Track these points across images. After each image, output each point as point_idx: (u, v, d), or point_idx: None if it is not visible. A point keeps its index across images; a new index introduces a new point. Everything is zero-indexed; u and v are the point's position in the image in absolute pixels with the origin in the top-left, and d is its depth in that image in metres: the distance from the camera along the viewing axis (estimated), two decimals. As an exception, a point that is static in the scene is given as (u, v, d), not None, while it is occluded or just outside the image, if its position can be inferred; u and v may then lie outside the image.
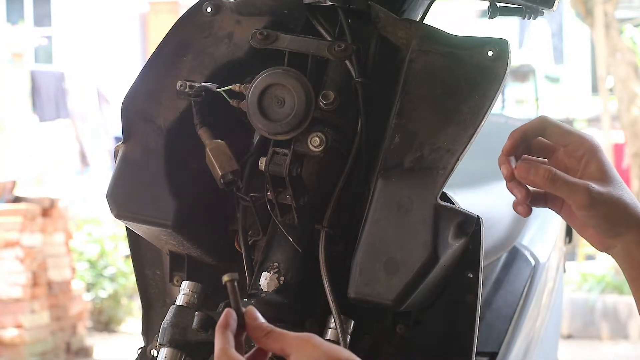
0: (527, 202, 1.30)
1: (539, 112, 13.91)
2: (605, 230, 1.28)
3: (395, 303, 1.34)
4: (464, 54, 1.39)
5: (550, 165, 1.30)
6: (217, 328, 1.13)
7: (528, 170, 1.27)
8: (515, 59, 13.85)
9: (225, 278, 1.13)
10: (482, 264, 1.40)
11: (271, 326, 1.14)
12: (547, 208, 1.37)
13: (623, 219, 1.27)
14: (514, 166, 1.30)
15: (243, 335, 1.14)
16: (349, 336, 1.36)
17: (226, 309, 1.15)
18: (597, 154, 1.30)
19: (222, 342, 1.12)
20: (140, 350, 1.56)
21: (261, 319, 1.14)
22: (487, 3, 1.47)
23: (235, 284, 1.14)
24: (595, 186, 1.26)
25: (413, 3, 1.49)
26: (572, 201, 1.26)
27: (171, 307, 1.40)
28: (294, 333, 1.14)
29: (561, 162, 1.31)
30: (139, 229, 1.46)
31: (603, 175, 1.28)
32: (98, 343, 7.49)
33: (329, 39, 1.41)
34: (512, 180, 1.29)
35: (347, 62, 1.39)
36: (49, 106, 10.07)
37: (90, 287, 8.01)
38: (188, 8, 1.48)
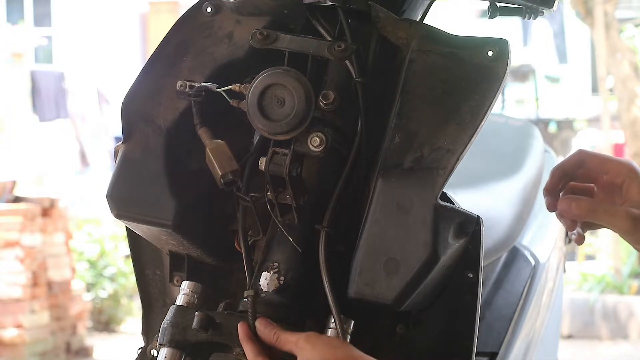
0: (579, 231, 1.39)
1: (539, 112, 13.91)
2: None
3: (395, 303, 1.34)
4: (464, 54, 1.39)
5: (596, 192, 1.38)
6: (241, 339, 1.29)
7: (569, 205, 1.37)
8: (519, 58, 13.85)
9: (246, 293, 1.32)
10: (482, 264, 1.40)
11: (278, 329, 1.22)
12: (547, 208, 1.43)
13: None
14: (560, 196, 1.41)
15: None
16: (349, 336, 1.36)
17: (239, 323, 1.30)
18: (635, 178, 1.37)
19: (253, 348, 1.27)
20: (140, 350, 1.56)
21: (271, 325, 1.29)
22: (487, 3, 1.47)
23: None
24: (635, 210, 1.33)
25: (413, 3, 1.49)
26: (615, 228, 1.34)
27: (171, 307, 1.40)
28: (297, 333, 1.21)
29: (605, 189, 1.38)
30: (139, 229, 1.46)
31: None
32: (98, 343, 7.48)
33: (329, 39, 1.41)
34: (556, 211, 1.39)
35: (347, 62, 1.39)
36: (49, 106, 10.07)
37: (90, 287, 8.00)
38: (188, 8, 1.48)
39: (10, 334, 6.54)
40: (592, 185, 1.41)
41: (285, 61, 1.39)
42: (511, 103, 14.78)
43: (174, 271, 1.51)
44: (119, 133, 1.46)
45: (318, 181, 1.40)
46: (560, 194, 1.43)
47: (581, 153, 1.42)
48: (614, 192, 1.38)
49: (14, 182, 7.20)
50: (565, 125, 13.52)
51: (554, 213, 1.44)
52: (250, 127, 1.38)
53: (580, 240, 1.42)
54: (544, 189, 1.43)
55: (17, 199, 7.00)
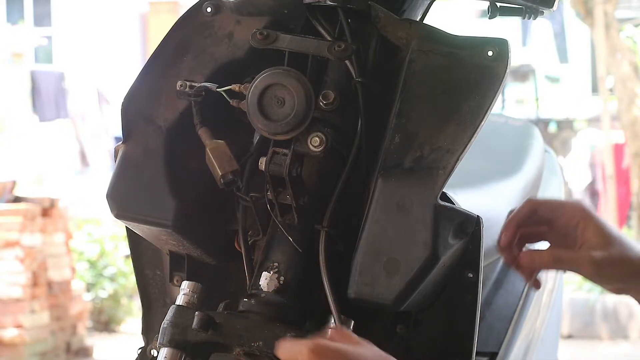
0: (536, 278, 1.37)
1: (539, 112, 13.90)
2: (618, 287, 1.34)
3: (395, 303, 1.34)
4: (464, 54, 1.39)
5: (551, 236, 1.34)
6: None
7: (532, 258, 1.34)
8: (518, 58, 13.84)
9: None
10: (482, 264, 1.40)
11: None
12: (505, 265, 1.42)
13: (630, 273, 1.31)
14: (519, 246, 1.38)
15: None
16: (349, 336, 1.36)
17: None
18: (590, 218, 1.34)
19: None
20: (140, 350, 1.56)
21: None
22: (487, 3, 1.47)
23: None
24: (597, 254, 1.31)
25: (413, 3, 1.49)
26: (580, 274, 1.32)
27: (171, 307, 1.39)
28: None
29: (559, 232, 1.35)
30: (139, 229, 1.46)
31: (602, 238, 1.32)
32: (98, 343, 7.48)
33: (329, 39, 1.41)
34: (515, 265, 1.35)
35: (347, 62, 1.39)
36: (49, 106, 10.06)
37: (90, 287, 8.00)
38: (188, 8, 1.48)
39: (10, 334, 6.54)
40: (544, 227, 1.38)
41: (285, 61, 1.39)
42: (511, 103, 14.78)
43: (174, 271, 1.51)
44: (119, 133, 1.46)
45: (318, 181, 1.40)
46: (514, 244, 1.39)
47: (531, 202, 1.39)
48: (569, 235, 1.35)
49: (14, 182, 7.20)
50: (565, 125, 13.52)
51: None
52: (250, 127, 1.38)
53: (538, 285, 1.40)
54: (499, 246, 1.39)
55: (17, 199, 7.00)
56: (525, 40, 15.64)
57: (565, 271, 1.37)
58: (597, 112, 11.66)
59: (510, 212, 1.39)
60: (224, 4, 1.46)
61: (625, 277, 1.32)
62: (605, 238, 1.32)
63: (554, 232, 1.37)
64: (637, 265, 1.32)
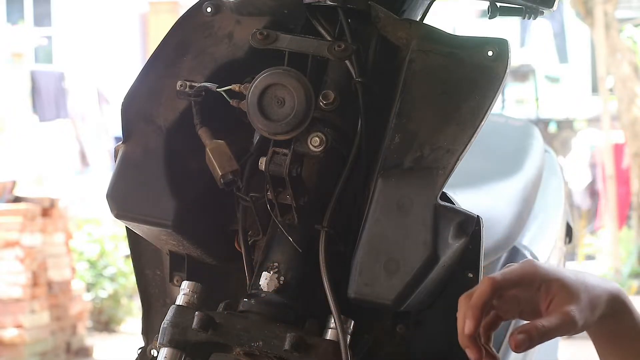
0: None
1: (539, 112, 13.90)
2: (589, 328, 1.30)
3: (395, 303, 1.34)
4: (464, 54, 1.39)
5: (510, 304, 1.27)
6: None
7: (525, 342, 1.22)
8: (518, 58, 13.85)
9: None
10: (482, 264, 1.40)
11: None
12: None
13: (597, 310, 1.28)
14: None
15: None
16: (349, 336, 1.36)
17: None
18: (548, 276, 1.25)
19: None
20: (140, 350, 1.56)
21: None
22: (487, 3, 1.47)
23: None
24: (574, 310, 1.24)
25: (413, 3, 1.49)
26: (569, 334, 1.27)
27: (171, 307, 1.39)
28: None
29: (520, 299, 1.27)
30: (139, 229, 1.46)
31: (567, 290, 1.25)
32: (98, 343, 7.48)
33: (329, 39, 1.41)
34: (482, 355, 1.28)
35: (347, 62, 1.40)
36: (49, 106, 10.06)
37: (90, 287, 8.01)
38: (188, 8, 1.48)
39: (10, 334, 6.54)
40: (501, 302, 1.28)
41: (285, 61, 1.39)
42: (511, 103, 14.79)
43: (174, 271, 1.51)
44: (119, 133, 1.46)
45: (318, 181, 1.40)
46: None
47: (492, 282, 1.23)
48: (534, 299, 1.26)
49: (14, 182, 7.21)
50: (565, 125, 13.54)
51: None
52: (250, 127, 1.38)
53: None
54: (466, 338, 1.25)
55: (17, 199, 7.00)
56: (525, 40, 15.64)
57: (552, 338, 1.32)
58: (597, 112, 11.67)
59: (465, 295, 1.24)
60: (224, 4, 1.46)
61: (593, 318, 1.29)
62: (569, 289, 1.25)
63: (516, 297, 1.28)
64: (601, 300, 1.28)
